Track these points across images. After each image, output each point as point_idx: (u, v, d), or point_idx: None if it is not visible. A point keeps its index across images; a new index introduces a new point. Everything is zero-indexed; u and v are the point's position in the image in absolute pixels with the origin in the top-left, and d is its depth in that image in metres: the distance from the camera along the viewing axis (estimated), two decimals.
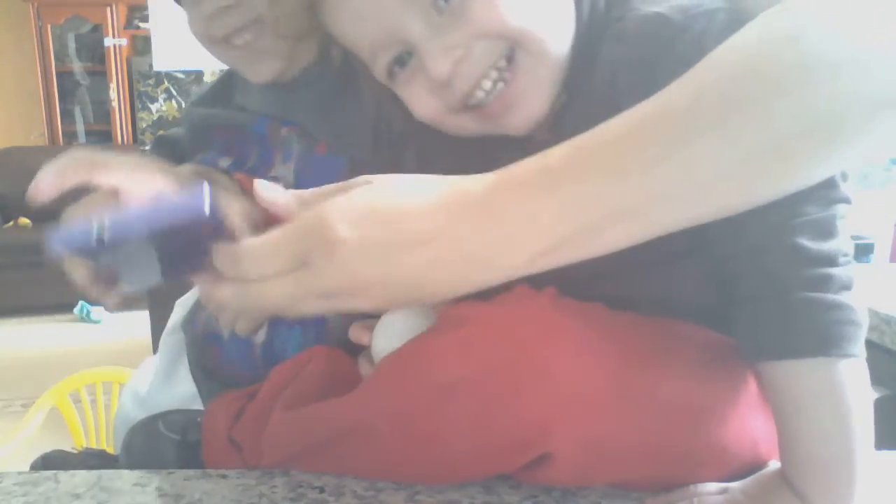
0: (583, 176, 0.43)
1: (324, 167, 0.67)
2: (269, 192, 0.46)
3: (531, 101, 0.55)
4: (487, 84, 0.54)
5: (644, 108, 0.44)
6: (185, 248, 0.45)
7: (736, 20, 0.47)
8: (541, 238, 0.43)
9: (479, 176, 0.44)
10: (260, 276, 0.43)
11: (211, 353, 0.74)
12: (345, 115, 0.67)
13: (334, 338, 0.68)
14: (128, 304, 0.53)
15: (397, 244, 0.42)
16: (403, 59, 0.55)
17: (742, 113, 0.42)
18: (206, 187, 0.41)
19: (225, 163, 0.70)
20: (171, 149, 0.76)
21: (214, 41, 0.64)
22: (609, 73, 0.52)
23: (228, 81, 0.76)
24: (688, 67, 0.45)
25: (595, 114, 0.50)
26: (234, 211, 0.51)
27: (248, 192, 0.64)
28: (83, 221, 0.42)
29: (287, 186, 0.64)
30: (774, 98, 0.42)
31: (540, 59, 0.53)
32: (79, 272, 0.53)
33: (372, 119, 0.65)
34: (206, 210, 0.41)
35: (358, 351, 0.62)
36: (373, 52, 0.55)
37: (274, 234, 0.43)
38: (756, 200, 0.44)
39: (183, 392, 0.79)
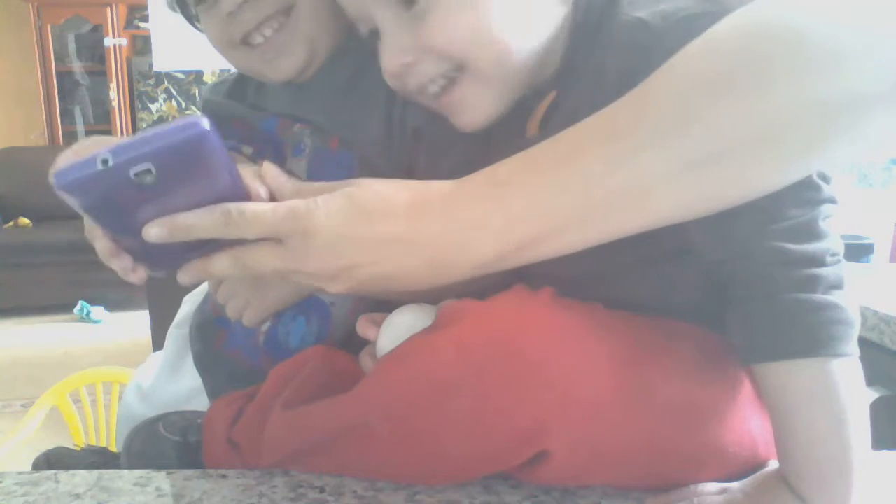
0: (526, 190, 0.47)
1: (336, 162, 0.67)
2: (272, 173, 0.51)
3: (477, 106, 0.57)
4: (434, 88, 0.57)
5: (592, 120, 0.47)
6: (192, 192, 0.46)
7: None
8: (493, 244, 0.47)
9: (442, 183, 0.49)
10: (239, 234, 0.48)
11: (218, 337, 0.75)
12: (356, 112, 0.67)
13: (337, 330, 0.68)
14: (153, 274, 0.54)
15: (364, 241, 0.47)
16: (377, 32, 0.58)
17: (689, 123, 0.44)
18: (204, 117, 0.42)
19: (248, 150, 0.71)
20: None
21: (233, 43, 0.65)
22: (594, 78, 0.53)
23: (243, 79, 0.76)
24: None
25: (582, 115, 0.51)
26: (249, 174, 0.52)
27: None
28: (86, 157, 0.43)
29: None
30: (723, 103, 0.43)
31: (488, 78, 0.55)
32: (101, 243, 0.54)
33: (383, 116, 0.66)
34: (205, 125, 0.42)
35: (358, 348, 0.62)
36: (355, 20, 0.59)
37: (262, 205, 0.48)
38: (716, 206, 0.46)
39: (187, 386, 0.80)
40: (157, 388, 0.81)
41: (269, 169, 0.51)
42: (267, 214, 0.47)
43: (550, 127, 0.56)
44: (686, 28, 0.48)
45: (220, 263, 0.50)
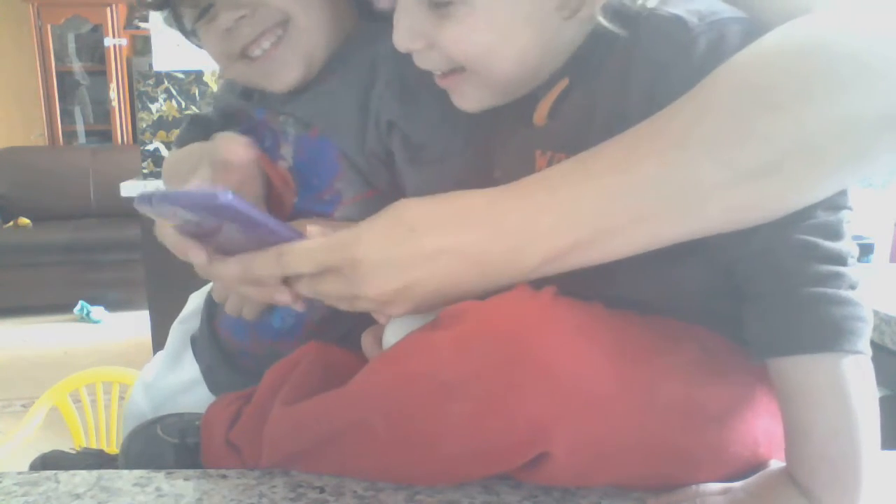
0: (577, 193, 0.47)
1: (318, 148, 0.68)
2: (317, 230, 0.53)
3: (474, 98, 0.58)
4: (437, 72, 0.57)
5: (647, 125, 0.47)
6: (241, 236, 0.53)
7: (752, 32, 0.48)
8: (542, 246, 0.48)
9: (486, 190, 0.49)
10: (295, 271, 0.51)
11: (217, 317, 0.78)
12: (330, 103, 0.68)
13: (316, 312, 0.69)
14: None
15: (412, 258, 0.48)
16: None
17: (744, 134, 0.45)
18: (229, 193, 0.48)
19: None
20: (203, 129, 0.78)
21: (233, 57, 0.66)
22: (620, 69, 0.52)
23: None
24: (701, 75, 0.46)
25: (595, 105, 0.51)
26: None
27: (266, 169, 0.69)
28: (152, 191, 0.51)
29: (287, 166, 0.69)
30: (777, 116, 0.44)
31: (490, 83, 0.56)
32: (164, 231, 0.60)
33: (357, 107, 0.66)
34: (224, 199, 0.47)
35: (350, 342, 0.62)
36: None
37: (310, 241, 0.51)
38: (764, 217, 0.47)
39: (186, 377, 0.81)
40: (158, 380, 0.83)
41: (314, 229, 0.53)
42: (314, 250, 0.51)
43: (561, 116, 0.56)
44: (720, 31, 0.48)
45: (300, 288, 0.54)
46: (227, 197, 0.47)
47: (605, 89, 0.52)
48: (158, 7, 0.67)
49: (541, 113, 0.57)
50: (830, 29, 0.46)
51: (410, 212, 0.49)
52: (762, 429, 0.53)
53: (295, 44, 0.65)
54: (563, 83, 0.56)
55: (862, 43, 0.45)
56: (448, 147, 0.65)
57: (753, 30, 0.48)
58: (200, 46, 0.70)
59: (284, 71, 0.66)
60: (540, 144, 0.56)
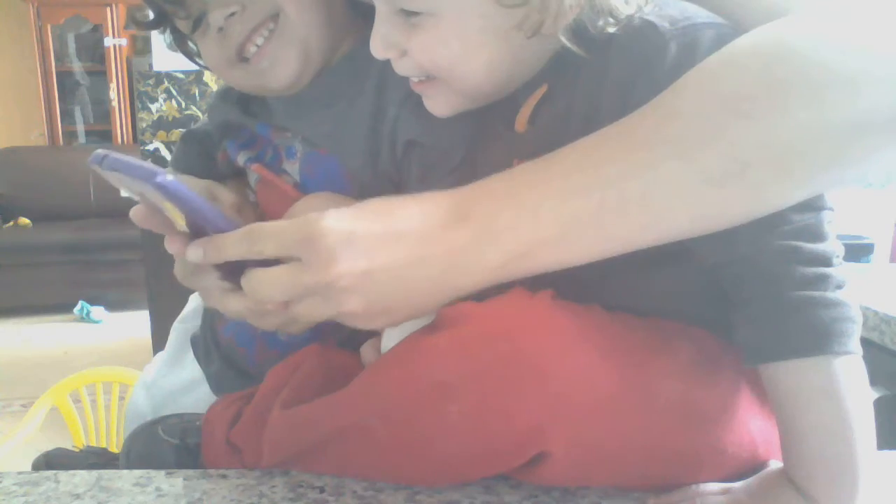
0: (540, 191, 0.47)
1: (326, 165, 0.68)
2: None
3: (446, 104, 0.58)
4: (413, 78, 0.57)
5: (614, 127, 0.47)
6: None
7: (725, 37, 0.48)
8: (506, 244, 0.47)
9: (454, 189, 0.49)
10: (262, 249, 0.48)
11: (220, 322, 0.77)
12: (339, 126, 0.68)
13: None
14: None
15: (378, 236, 0.47)
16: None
17: (711, 139, 0.44)
18: (170, 175, 0.48)
19: (243, 157, 0.73)
20: (199, 144, 0.78)
21: (231, 62, 0.66)
22: (595, 74, 0.52)
23: None
24: (672, 79, 0.46)
25: (571, 111, 0.51)
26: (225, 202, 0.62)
27: (267, 182, 0.70)
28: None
29: (293, 183, 0.69)
30: (746, 122, 0.44)
31: (461, 91, 0.56)
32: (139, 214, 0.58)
33: (368, 130, 0.67)
34: (159, 177, 0.48)
35: (352, 342, 0.62)
36: None
37: (279, 222, 0.49)
38: (731, 222, 0.46)
39: (187, 377, 0.81)
40: (159, 379, 0.83)
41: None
42: (284, 227, 0.48)
43: (540, 122, 0.56)
44: (693, 35, 0.48)
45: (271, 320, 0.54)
46: (164, 177, 0.47)
47: (581, 94, 0.53)
48: (156, 26, 0.68)
49: (521, 119, 0.58)
50: (803, 36, 0.45)
51: (381, 202, 0.49)
52: (760, 429, 0.53)
53: (288, 36, 0.65)
54: (543, 89, 0.57)
55: (834, 51, 0.44)
56: (462, 153, 0.65)
57: (727, 34, 0.48)
58: (204, 66, 0.70)
59: (280, 66, 0.66)
60: (518, 153, 0.55)
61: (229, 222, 0.51)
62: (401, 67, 0.57)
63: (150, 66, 2.63)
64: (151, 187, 0.48)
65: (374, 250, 0.46)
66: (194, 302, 0.87)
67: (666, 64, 0.48)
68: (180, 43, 0.70)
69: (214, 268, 0.55)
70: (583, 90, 0.53)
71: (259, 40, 0.65)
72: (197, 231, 0.52)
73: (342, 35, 0.69)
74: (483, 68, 0.54)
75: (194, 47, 0.70)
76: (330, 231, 0.46)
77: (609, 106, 0.50)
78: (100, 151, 0.50)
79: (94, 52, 5.01)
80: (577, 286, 0.50)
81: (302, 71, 0.67)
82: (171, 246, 0.53)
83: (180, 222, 0.51)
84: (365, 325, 0.50)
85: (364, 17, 0.69)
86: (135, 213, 0.56)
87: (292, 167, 0.70)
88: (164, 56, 2.54)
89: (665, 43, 0.48)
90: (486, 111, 0.60)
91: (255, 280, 0.49)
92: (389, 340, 0.56)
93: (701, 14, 0.51)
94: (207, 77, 2.40)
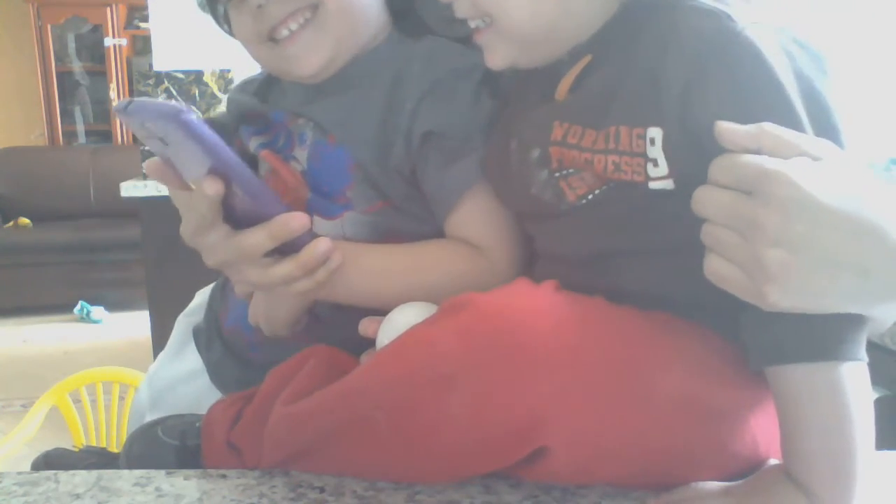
0: None
1: (333, 155, 0.69)
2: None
3: (498, 54, 0.59)
4: (472, 24, 0.58)
5: None
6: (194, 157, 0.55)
7: (791, 44, 0.48)
8: None
9: None
10: (712, 217, 0.46)
11: (223, 313, 0.78)
12: (351, 114, 0.68)
13: (324, 308, 0.69)
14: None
15: None
16: None
17: None
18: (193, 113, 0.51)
19: (255, 143, 0.74)
20: (217, 132, 0.78)
21: (261, 38, 0.66)
22: (650, 53, 0.51)
23: (269, 79, 0.78)
24: (741, 89, 0.46)
25: (618, 86, 0.51)
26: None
27: (276, 169, 0.71)
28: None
29: (300, 169, 0.70)
30: None
31: (513, 37, 0.57)
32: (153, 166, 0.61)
33: (379, 121, 0.67)
34: (184, 114, 0.50)
35: (354, 343, 0.62)
36: None
37: (728, 192, 0.45)
38: None
39: (187, 368, 0.81)
40: (160, 370, 0.83)
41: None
42: (748, 159, 0.45)
43: (582, 91, 0.56)
44: (760, 37, 0.47)
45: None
46: (190, 115, 0.49)
47: (632, 72, 0.52)
48: None
49: (562, 88, 0.58)
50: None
51: None
52: (761, 427, 0.53)
53: (322, 28, 0.65)
54: (587, 59, 0.56)
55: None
56: (482, 138, 0.66)
57: (791, 41, 0.48)
58: (229, 32, 0.70)
59: (308, 55, 0.66)
60: (559, 116, 0.56)
61: (244, 165, 0.53)
62: (459, 8, 0.58)
63: (150, 66, 2.63)
64: (175, 126, 0.48)
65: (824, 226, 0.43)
66: (200, 297, 0.87)
67: (735, 71, 0.47)
68: (213, 6, 0.70)
69: (225, 220, 0.58)
70: (634, 67, 0.52)
71: (293, 25, 0.65)
72: (215, 174, 0.54)
73: (374, 34, 0.69)
74: (529, 6, 0.54)
75: (222, 10, 0.70)
76: (792, 184, 0.42)
77: (673, 93, 0.49)
78: (123, 100, 0.52)
79: (94, 52, 5.02)
80: (583, 267, 0.50)
81: (328, 65, 0.67)
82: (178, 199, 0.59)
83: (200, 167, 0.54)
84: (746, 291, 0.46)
85: (397, 18, 0.71)
86: (148, 165, 0.59)
87: (302, 154, 0.70)
88: (165, 56, 2.54)
89: (732, 43, 0.48)
90: (523, 85, 0.61)
91: (703, 193, 0.46)
92: (385, 338, 0.56)
93: (766, 11, 0.50)
94: (207, 77, 2.40)
